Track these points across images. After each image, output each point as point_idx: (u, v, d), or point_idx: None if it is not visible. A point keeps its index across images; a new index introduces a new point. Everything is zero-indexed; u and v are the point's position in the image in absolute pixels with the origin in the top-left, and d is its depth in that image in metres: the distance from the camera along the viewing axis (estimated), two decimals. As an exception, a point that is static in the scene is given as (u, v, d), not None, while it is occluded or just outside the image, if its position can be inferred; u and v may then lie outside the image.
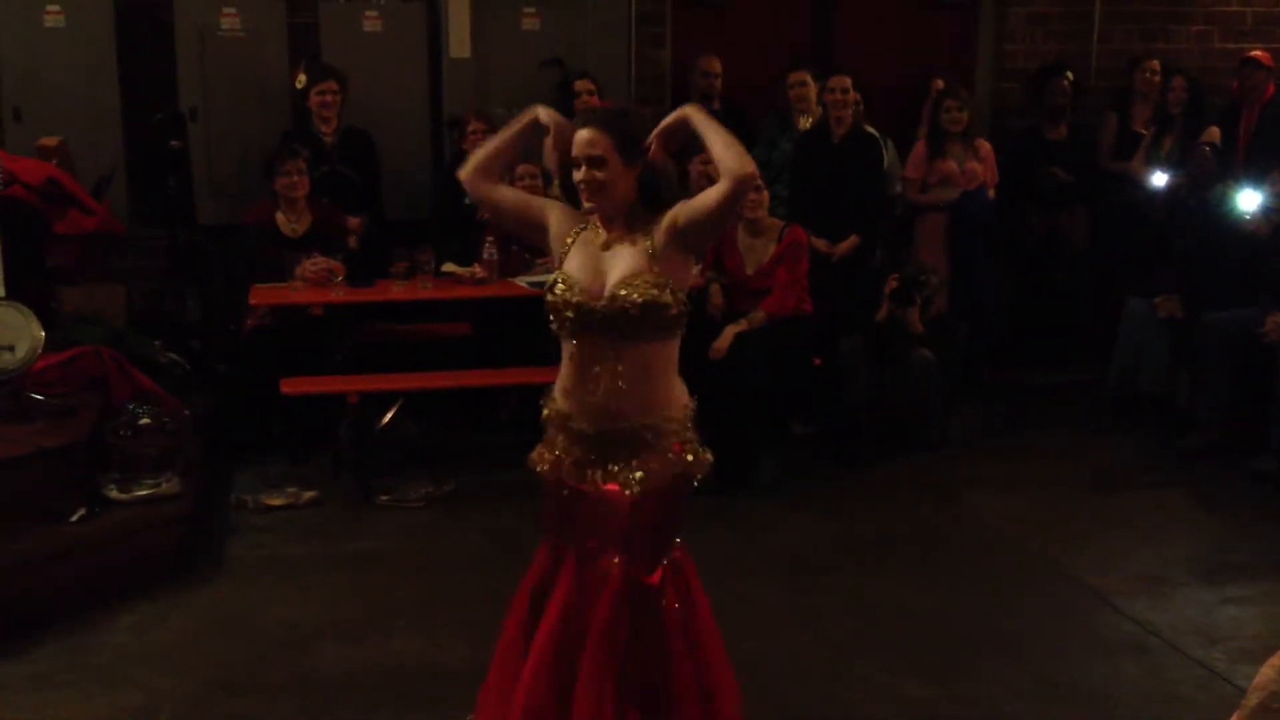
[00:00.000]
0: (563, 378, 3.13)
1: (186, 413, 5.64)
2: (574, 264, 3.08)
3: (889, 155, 7.28)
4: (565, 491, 3.14)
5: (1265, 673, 2.61)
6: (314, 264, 6.16)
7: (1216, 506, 5.78)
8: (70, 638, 4.39)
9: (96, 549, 4.80)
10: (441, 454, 6.29)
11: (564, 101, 6.80)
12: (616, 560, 3.05)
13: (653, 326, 3.01)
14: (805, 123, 7.30)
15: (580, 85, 7.02)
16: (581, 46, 7.43)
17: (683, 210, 3.05)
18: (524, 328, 5.62)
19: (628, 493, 3.05)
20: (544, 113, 3.19)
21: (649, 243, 3.04)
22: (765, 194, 6.25)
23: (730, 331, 5.98)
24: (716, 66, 7.44)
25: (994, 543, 5.41)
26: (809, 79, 7.33)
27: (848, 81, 6.97)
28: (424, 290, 6.23)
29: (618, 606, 3.03)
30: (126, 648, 4.36)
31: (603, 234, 3.09)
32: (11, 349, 5.19)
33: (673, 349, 3.11)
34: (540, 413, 3.21)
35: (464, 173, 3.25)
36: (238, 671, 4.19)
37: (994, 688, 4.10)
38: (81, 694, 4.04)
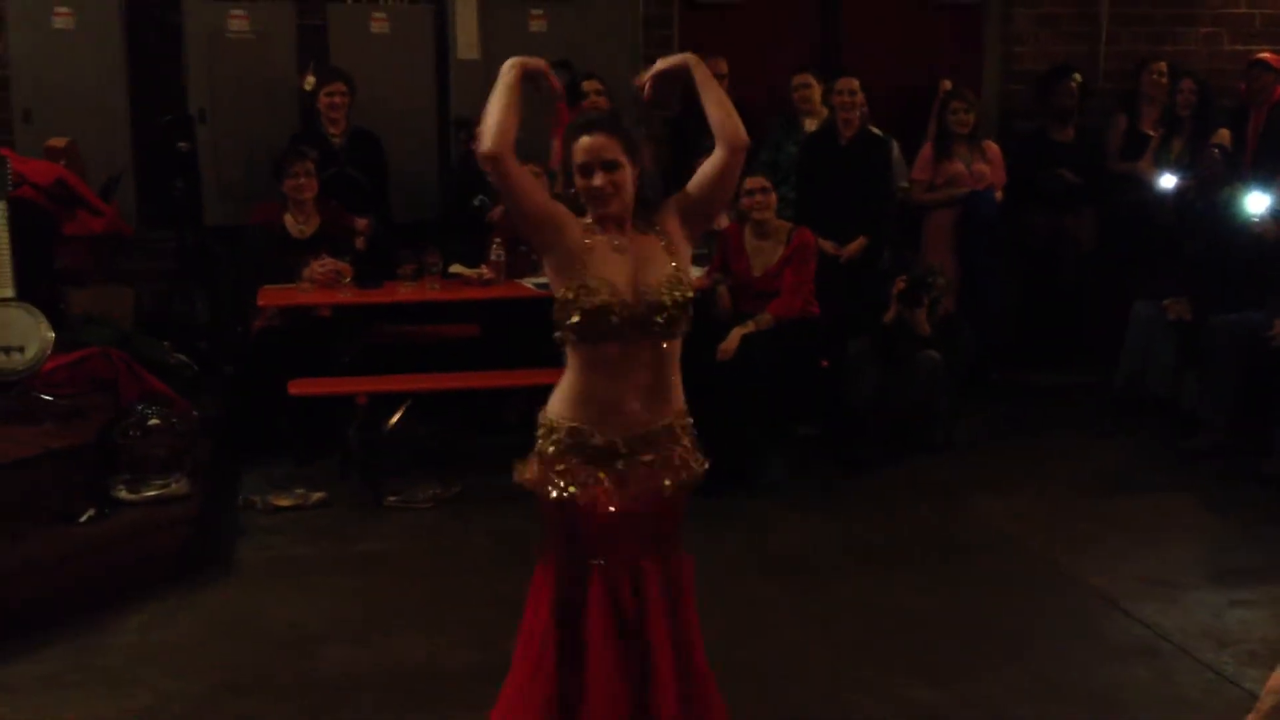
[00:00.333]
0: (581, 390, 3.01)
1: (195, 414, 5.67)
2: (605, 268, 2.99)
3: (893, 153, 7.27)
4: (611, 509, 2.99)
5: (1279, 675, 2.63)
6: (322, 265, 6.18)
7: (1222, 509, 5.77)
8: (78, 638, 4.41)
9: (105, 550, 4.83)
10: (449, 456, 6.30)
11: (572, 103, 6.80)
12: (654, 559, 3.03)
13: (684, 323, 3.03)
14: (811, 125, 7.30)
15: (588, 85, 7.02)
16: (588, 48, 7.43)
17: (686, 195, 3.08)
18: (531, 329, 5.61)
19: (666, 483, 3.02)
20: (522, 62, 3.02)
21: (663, 241, 3.05)
22: (773, 196, 6.24)
23: (737, 333, 5.98)
24: (723, 68, 7.42)
25: (998, 544, 5.40)
26: (813, 81, 7.33)
27: (855, 83, 6.98)
28: (431, 292, 6.25)
29: (666, 600, 3.02)
30: (134, 648, 4.38)
31: (618, 236, 3.05)
32: (21, 350, 5.23)
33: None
34: None
35: (489, 146, 2.93)
36: (245, 673, 4.21)
37: (997, 690, 4.09)
38: (89, 694, 4.06)
